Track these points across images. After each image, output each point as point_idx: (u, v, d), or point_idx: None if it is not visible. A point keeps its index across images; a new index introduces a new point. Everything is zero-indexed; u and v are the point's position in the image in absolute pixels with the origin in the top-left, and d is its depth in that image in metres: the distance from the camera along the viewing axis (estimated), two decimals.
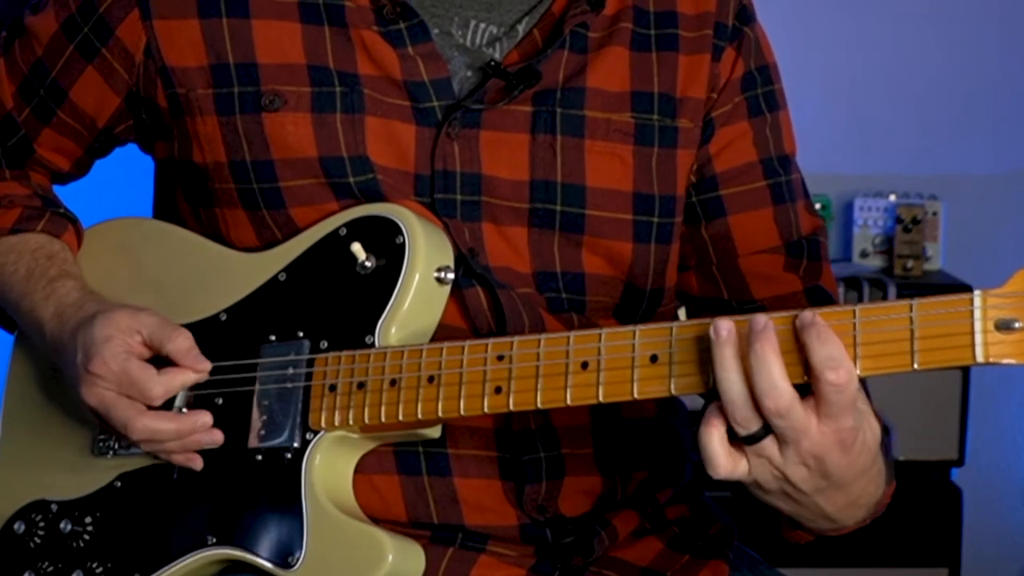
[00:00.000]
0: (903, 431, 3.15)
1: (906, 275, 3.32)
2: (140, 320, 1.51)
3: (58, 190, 1.74)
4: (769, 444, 1.28)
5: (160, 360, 1.51)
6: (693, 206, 1.61)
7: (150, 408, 1.49)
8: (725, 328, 1.28)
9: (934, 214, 3.40)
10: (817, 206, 3.38)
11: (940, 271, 3.40)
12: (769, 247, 1.61)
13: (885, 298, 3.21)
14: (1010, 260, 3.50)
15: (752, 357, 1.26)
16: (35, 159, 1.67)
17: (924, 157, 3.50)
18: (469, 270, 1.51)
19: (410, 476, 1.51)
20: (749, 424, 1.27)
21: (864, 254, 3.41)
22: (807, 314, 1.26)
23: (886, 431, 1.40)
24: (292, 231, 1.53)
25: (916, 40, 3.49)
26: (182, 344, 1.50)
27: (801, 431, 1.27)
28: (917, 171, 3.49)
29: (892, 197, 3.42)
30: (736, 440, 1.29)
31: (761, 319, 1.26)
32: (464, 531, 1.51)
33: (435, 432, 1.46)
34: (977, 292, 1.23)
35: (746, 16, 1.63)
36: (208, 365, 1.51)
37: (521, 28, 1.57)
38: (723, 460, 1.29)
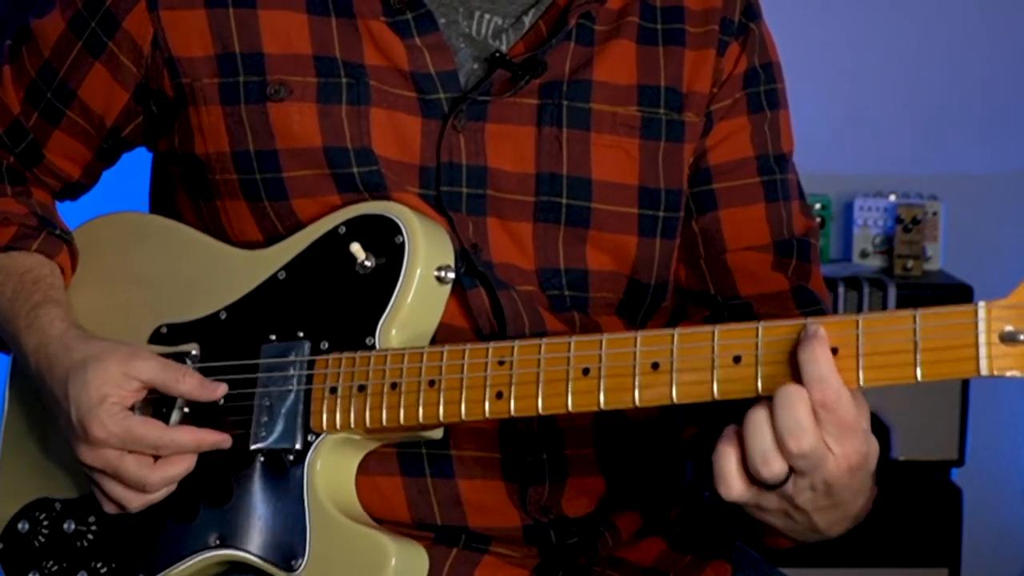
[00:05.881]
0: (903, 431, 3.14)
1: (906, 275, 3.32)
2: (136, 368, 1.48)
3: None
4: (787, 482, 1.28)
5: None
6: (686, 198, 1.61)
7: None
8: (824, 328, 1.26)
9: (934, 214, 3.40)
10: (817, 206, 3.42)
11: (940, 271, 3.39)
12: (758, 244, 1.61)
13: (885, 297, 3.21)
14: (1010, 260, 3.50)
15: (776, 393, 1.26)
16: (44, 166, 1.66)
17: (924, 157, 3.50)
18: (471, 267, 1.51)
19: (413, 478, 1.51)
20: (772, 467, 1.27)
21: (864, 254, 3.40)
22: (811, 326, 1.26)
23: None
24: (294, 223, 1.53)
25: (916, 40, 3.49)
26: (191, 383, 1.49)
27: (819, 463, 1.27)
28: (917, 171, 3.48)
29: (892, 197, 3.41)
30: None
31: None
32: (468, 532, 1.51)
33: (437, 433, 1.46)
34: (981, 304, 1.21)
35: (752, 13, 1.64)
36: (224, 388, 1.50)
37: (527, 20, 1.57)
38: (738, 483, 1.29)
